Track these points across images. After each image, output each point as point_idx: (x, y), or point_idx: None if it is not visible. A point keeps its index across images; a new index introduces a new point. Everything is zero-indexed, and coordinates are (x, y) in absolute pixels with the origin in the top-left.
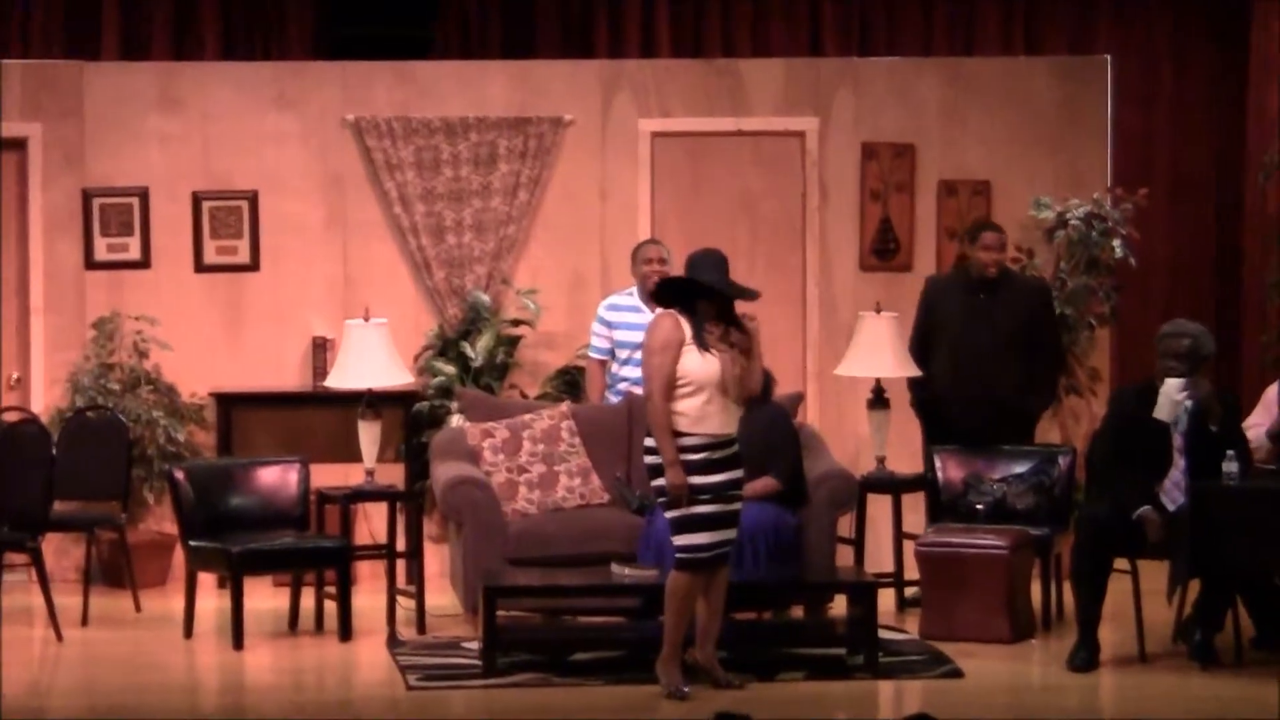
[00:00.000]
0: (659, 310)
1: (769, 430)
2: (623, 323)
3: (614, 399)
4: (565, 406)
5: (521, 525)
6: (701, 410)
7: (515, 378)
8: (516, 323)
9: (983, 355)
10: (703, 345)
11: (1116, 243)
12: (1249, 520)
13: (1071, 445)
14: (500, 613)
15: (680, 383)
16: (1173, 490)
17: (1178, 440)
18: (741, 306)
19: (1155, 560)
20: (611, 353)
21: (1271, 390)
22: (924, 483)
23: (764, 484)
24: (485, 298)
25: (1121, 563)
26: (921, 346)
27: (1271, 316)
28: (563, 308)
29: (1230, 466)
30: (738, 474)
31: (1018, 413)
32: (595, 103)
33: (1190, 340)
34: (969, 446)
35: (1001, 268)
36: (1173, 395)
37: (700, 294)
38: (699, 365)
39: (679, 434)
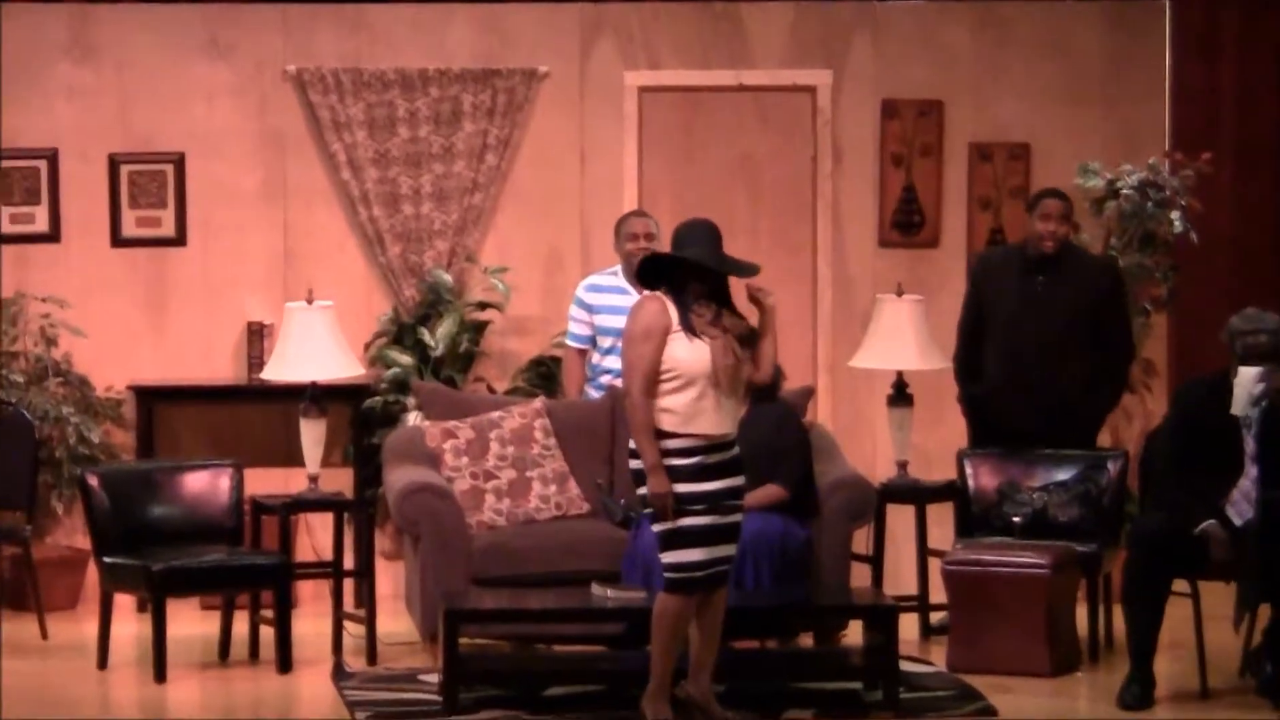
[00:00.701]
0: (644, 292)
1: (776, 431)
2: (605, 306)
3: (595, 393)
4: (539, 403)
5: (488, 539)
6: (692, 407)
7: (481, 369)
8: (483, 306)
9: (1041, 346)
10: (692, 331)
11: (1175, 215)
12: None
13: (1123, 448)
14: (463, 641)
15: (668, 375)
16: (1241, 502)
17: (1249, 445)
18: (758, 279)
19: (1220, 581)
20: (592, 340)
21: None
22: (953, 491)
23: (767, 492)
24: (447, 277)
25: (1181, 584)
26: (971, 335)
27: None
28: (536, 289)
29: None
30: (737, 481)
31: (1080, 413)
32: (573, 52)
33: (1269, 336)
34: (1014, 451)
35: (1063, 243)
36: (1248, 387)
37: (689, 272)
38: (689, 355)
39: (667, 434)
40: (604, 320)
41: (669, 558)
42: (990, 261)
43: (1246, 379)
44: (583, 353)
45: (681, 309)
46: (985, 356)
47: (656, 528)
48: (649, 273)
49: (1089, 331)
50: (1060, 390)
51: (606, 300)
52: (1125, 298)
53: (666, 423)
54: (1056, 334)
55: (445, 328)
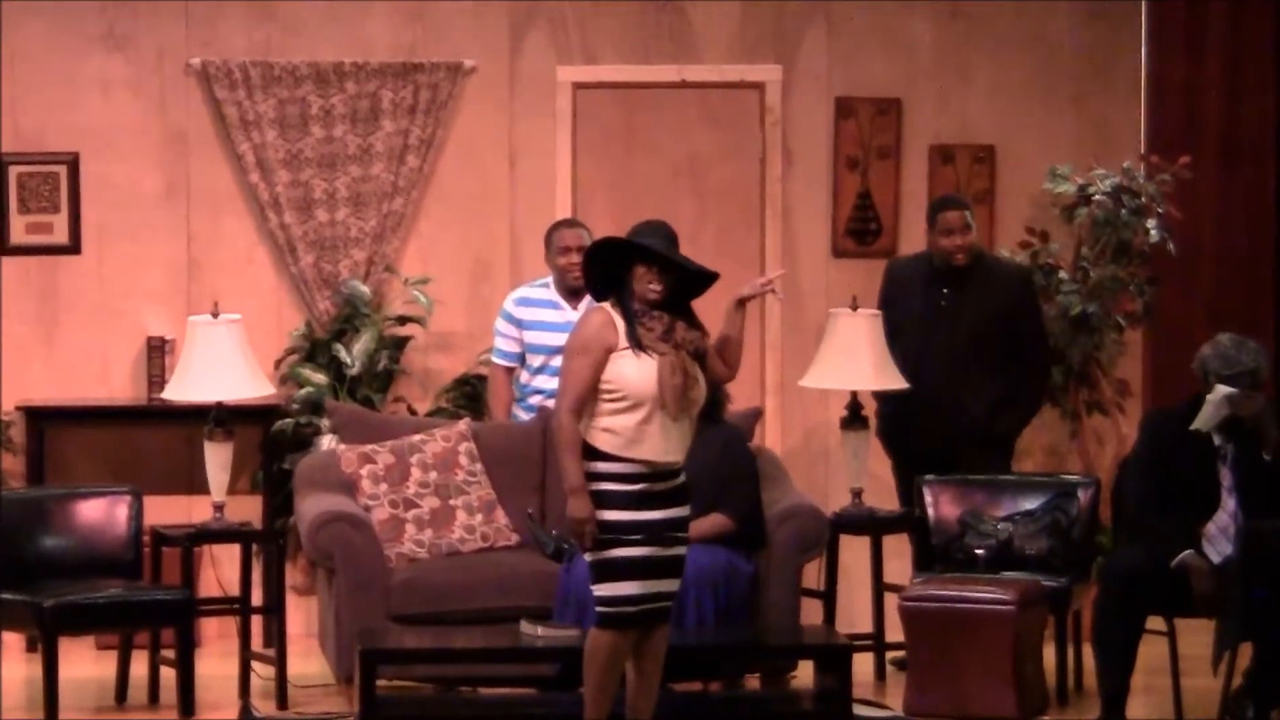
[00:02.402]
0: (591, 304)
1: (722, 456)
2: (535, 321)
3: (524, 415)
4: (464, 425)
5: (408, 573)
6: (637, 430)
7: (402, 388)
8: (403, 320)
9: (946, 361)
10: (639, 347)
11: (1152, 223)
12: None
13: (1094, 476)
14: (381, 683)
15: (613, 395)
16: (1219, 538)
17: (1225, 476)
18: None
19: (1198, 619)
20: (521, 358)
21: None
22: (911, 521)
23: (712, 523)
24: (364, 289)
25: (1156, 622)
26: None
27: None
28: (462, 302)
29: None
30: (681, 512)
31: (988, 433)
32: (503, 45)
33: (1247, 378)
34: (938, 473)
35: (973, 254)
36: (1215, 400)
37: (638, 263)
38: (638, 374)
39: (606, 457)
40: (534, 337)
41: (601, 590)
42: (897, 271)
43: (1218, 396)
44: (510, 371)
45: (629, 320)
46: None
47: (589, 558)
48: (595, 267)
49: (1000, 345)
50: (965, 409)
51: (537, 315)
52: (1038, 307)
53: (607, 444)
54: (963, 349)
55: (362, 344)
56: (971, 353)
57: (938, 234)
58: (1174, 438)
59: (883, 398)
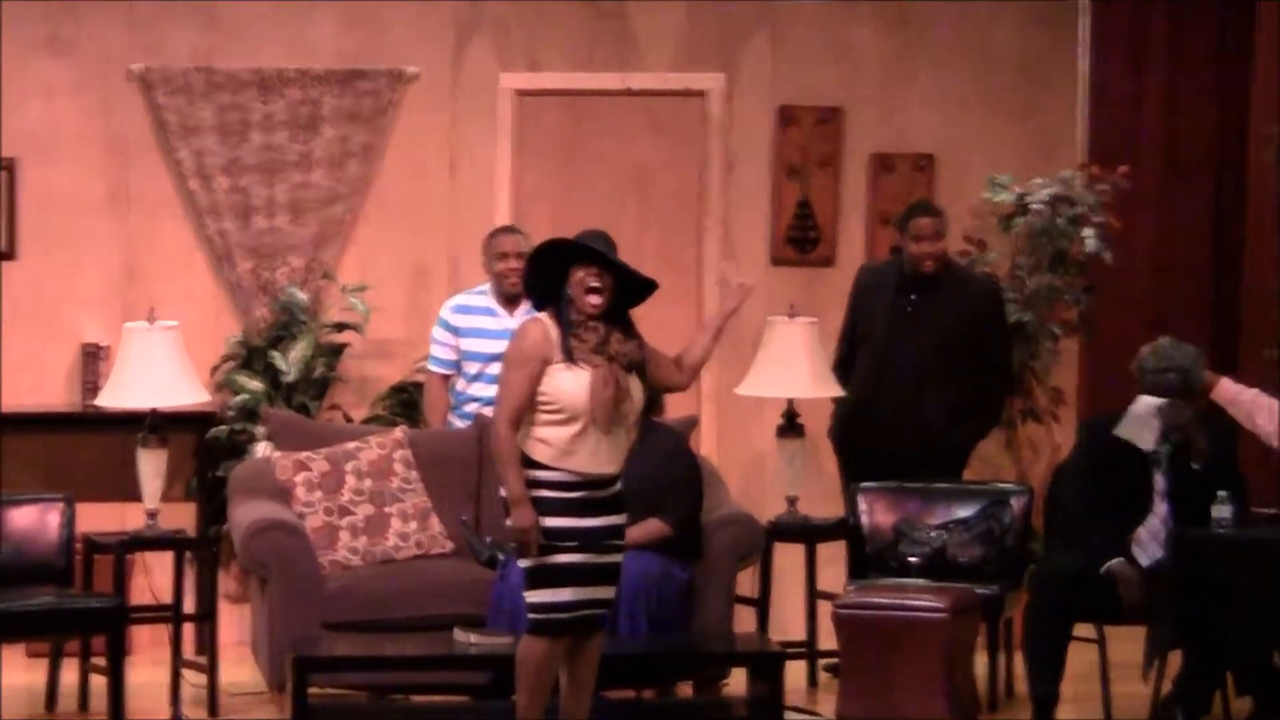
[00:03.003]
0: (529, 313)
1: (666, 463)
2: (472, 329)
3: (460, 423)
4: (399, 433)
5: (342, 581)
6: (571, 442)
7: (338, 396)
8: (340, 327)
9: (909, 367)
10: (572, 358)
11: (1089, 233)
12: (1243, 578)
13: (1028, 484)
14: (314, 690)
15: (548, 407)
16: (1149, 542)
17: (1159, 481)
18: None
19: (1128, 626)
20: (458, 365)
21: None
22: (845, 529)
23: (648, 529)
24: (302, 296)
25: (1086, 629)
26: (848, 352)
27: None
28: (400, 309)
29: (1221, 511)
30: (618, 520)
31: (944, 442)
32: (445, 52)
33: (1178, 375)
34: (888, 480)
35: (943, 263)
36: (1142, 414)
37: (582, 265)
38: (575, 387)
39: (543, 466)
40: (470, 344)
41: (534, 597)
42: (869, 275)
43: (1143, 408)
44: (447, 379)
45: (564, 331)
46: (855, 377)
47: (525, 564)
48: (536, 274)
49: (964, 356)
50: (925, 416)
51: (474, 322)
52: (1005, 322)
53: (541, 454)
54: (925, 357)
55: (299, 351)
56: (935, 360)
57: (908, 239)
58: (1110, 444)
59: (839, 401)
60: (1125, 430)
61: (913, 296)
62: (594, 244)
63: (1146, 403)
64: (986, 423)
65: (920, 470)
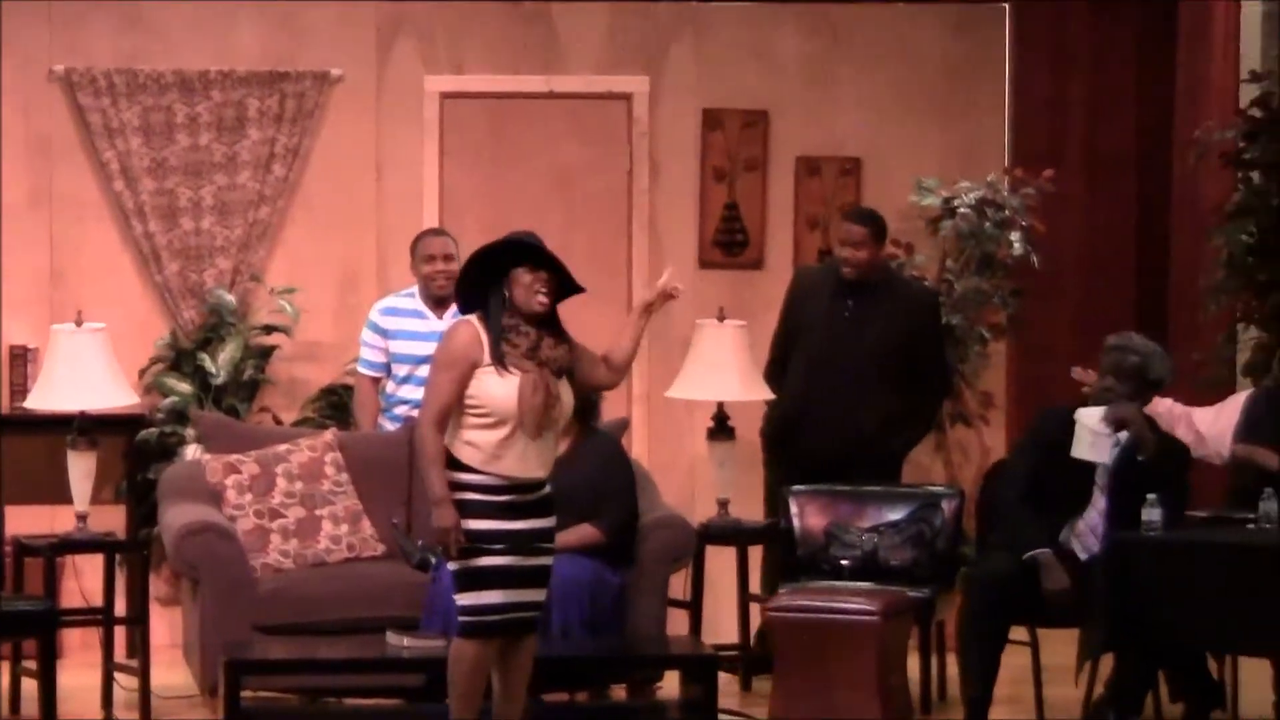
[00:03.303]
0: (457, 316)
1: (602, 469)
2: (401, 331)
3: (390, 425)
4: (330, 435)
5: (274, 583)
6: (499, 446)
7: (267, 398)
8: (270, 329)
9: (844, 372)
10: (503, 363)
11: (1015, 236)
12: (1173, 581)
13: (958, 487)
14: (246, 693)
15: (476, 410)
16: (1087, 535)
17: (1101, 474)
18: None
19: (1062, 629)
20: (387, 368)
21: (1237, 400)
22: (777, 532)
23: (581, 534)
24: (230, 298)
25: (1019, 632)
26: (781, 353)
27: (1205, 328)
28: (328, 311)
29: (1151, 513)
30: (547, 522)
31: (879, 451)
32: (370, 54)
33: (1139, 359)
34: (818, 484)
35: (875, 268)
36: (1091, 426)
37: (527, 268)
38: (503, 391)
39: (471, 469)
40: (400, 346)
41: (464, 599)
42: (806, 278)
43: (1088, 419)
44: (376, 381)
45: (494, 336)
46: (789, 380)
47: (453, 567)
48: (471, 279)
49: (900, 365)
50: (858, 422)
51: (403, 325)
52: (940, 331)
53: (470, 457)
54: (862, 362)
55: (228, 353)
56: (871, 368)
57: (836, 241)
58: (1061, 434)
59: (772, 403)
60: (1080, 452)
61: (850, 302)
62: (522, 239)
63: (1090, 415)
64: (921, 431)
65: (854, 476)
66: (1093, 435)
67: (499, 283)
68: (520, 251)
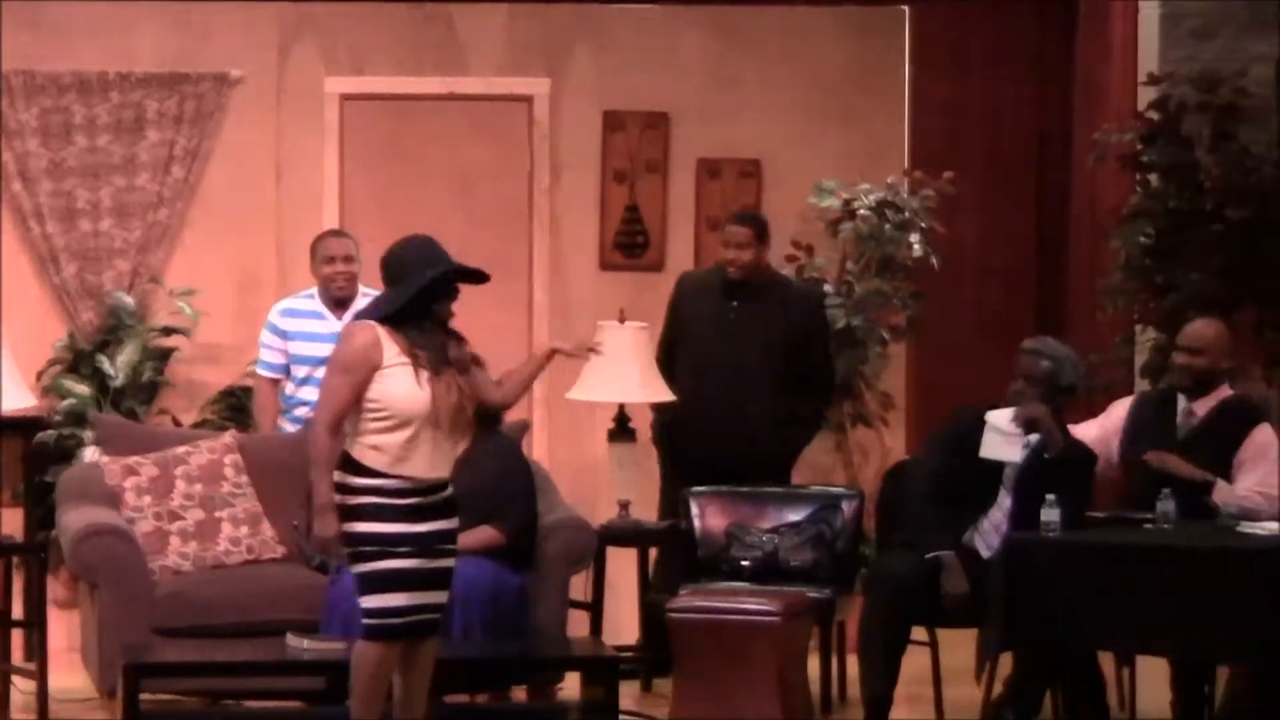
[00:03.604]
0: (354, 320)
1: (501, 471)
2: (300, 333)
3: (290, 427)
4: (229, 437)
5: (173, 586)
6: (404, 449)
7: (167, 400)
8: (169, 331)
9: (730, 374)
10: (416, 366)
11: (915, 238)
12: (1071, 581)
13: (858, 488)
14: (146, 696)
15: (380, 414)
16: (991, 534)
17: (1008, 473)
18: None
19: (961, 629)
20: (287, 370)
21: (1119, 408)
22: (677, 534)
23: (481, 536)
24: (129, 300)
25: (919, 633)
26: (667, 356)
27: (1104, 330)
28: (228, 313)
29: (1049, 514)
30: (450, 524)
31: (768, 451)
32: (270, 55)
33: (1050, 363)
34: (715, 485)
35: (756, 270)
36: (1001, 426)
37: (435, 294)
38: (407, 394)
39: (374, 473)
40: (299, 348)
41: (369, 602)
42: (690, 281)
43: (998, 420)
44: (276, 383)
45: (410, 341)
46: (677, 384)
47: (356, 569)
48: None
49: (787, 364)
50: (747, 424)
51: (302, 326)
52: (827, 330)
53: (374, 460)
54: (749, 363)
55: (126, 355)
56: (757, 368)
57: (720, 243)
58: (972, 432)
59: (661, 406)
60: (989, 452)
61: (735, 304)
62: (442, 256)
63: (999, 416)
64: (808, 432)
65: (744, 478)
66: (1002, 435)
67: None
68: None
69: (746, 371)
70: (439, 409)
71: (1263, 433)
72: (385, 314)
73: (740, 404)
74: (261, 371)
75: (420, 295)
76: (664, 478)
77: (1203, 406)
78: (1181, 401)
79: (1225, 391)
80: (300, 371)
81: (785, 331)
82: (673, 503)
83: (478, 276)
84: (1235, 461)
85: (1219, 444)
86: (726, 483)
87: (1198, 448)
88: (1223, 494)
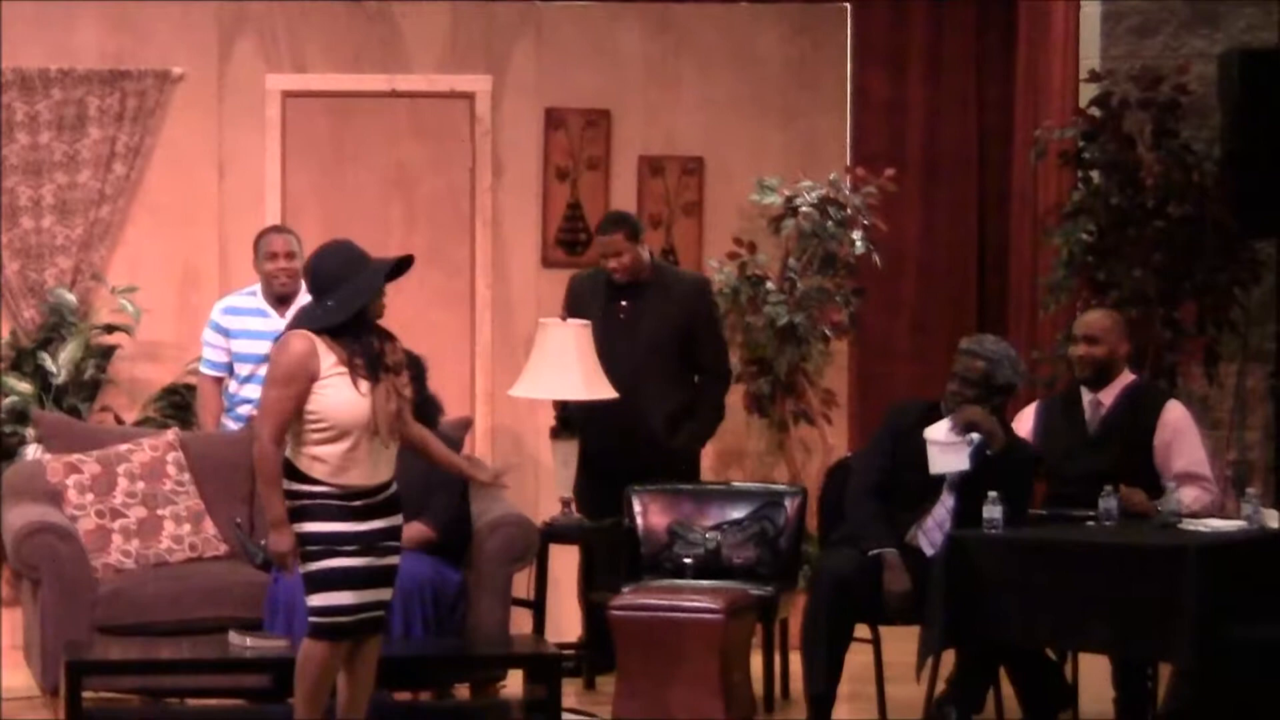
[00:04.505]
0: (290, 330)
1: (429, 465)
2: (243, 330)
3: (233, 425)
4: (172, 435)
5: (115, 584)
6: (345, 459)
7: (109, 398)
8: (111, 329)
9: (625, 373)
10: (353, 376)
11: (857, 235)
12: (1012, 578)
13: (801, 485)
14: (88, 694)
15: (319, 425)
16: (934, 531)
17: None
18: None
19: (904, 626)
20: (230, 367)
21: (1026, 417)
22: (620, 531)
23: (411, 532)
24: (70, 297)
25: (862, 630)
26: None
27: (1045, 327)
28: (170, 311)
29: (992, 511)
30: (394, 521)
31: (665, 449)
32: (211, 53)
33: (985, 364)
34: (610, 485)
35: (639, 269)
36: (940, 439)
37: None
38: (344, 404)
39: (316, 482)
40: (242, 346)
41: (316, 600)
42: (580, 285)
43: (936, 434)
44: (219, 381)
45: (349, 351)
46: None
47: (303, 569)
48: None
49: (678, 355)
50: (644, 421)
51: (245, 324)
52: (716, 318)
53: (318, 471)
54: (640, 359)
55: (68, 352)
56: (650, 365)
57: (599, 256)
58: (914, 428)
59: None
60: (937, 467)
61: (624, 303)
62: (375, 260)
63: (936, 430)
64: (707, 425)
65: (652, 477)
66: (943, 447)
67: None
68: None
69: (640, 371)
70: (378, 417)
71: (1174, 410)
72: (326, 325)
73: (635, 403)
74: (204, 370)
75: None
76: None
77: (1108, 395)
78: (1086, 395)
79: (1128, 377)
80: (243, 369)
81: (673, 323)
82: (586, 503)
83: (406, 264)
84: (1156, 444)
85: (1132, 429)
86: (631, 483)
87: (1111, 437)
88: (1168, 507)
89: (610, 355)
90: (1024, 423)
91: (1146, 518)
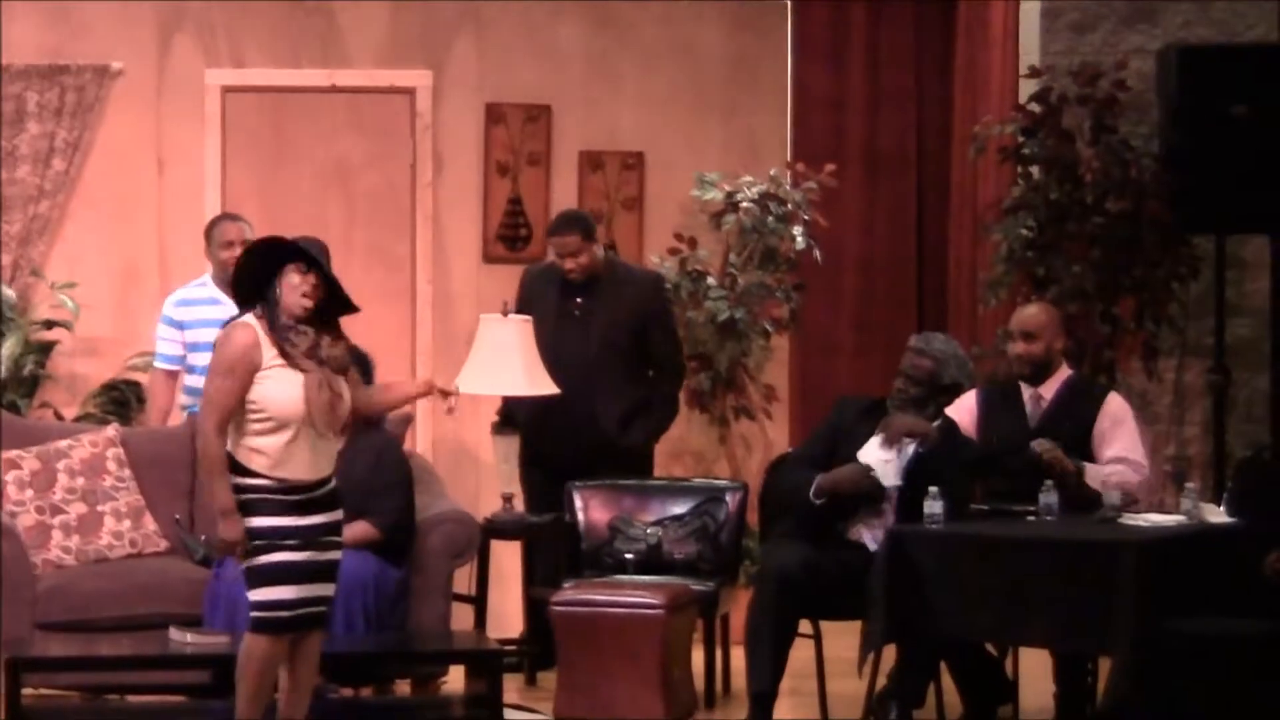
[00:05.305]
0: (235, 319)
1: (375, 465)
2: (197, 320)
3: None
4: (112, 430)
5: (55, 580)
6: (284, 451)
7: (48, 394)
8: (50, 325)
9: (579, 369)
10: (287, 363)
11: (798, 230)
12: (953, 572)
13: (742, 480)
14: (28, 691)
15: (258, 416)
16: (877, 526)
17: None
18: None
19: (845, 620)
20: (183, 360)
21: (968, 400)
22: (562, 526)
23: (356, 531)
24: (10, 293)
25: (803, 625)
26: None
27: (985, 322)
28: (109, 306)
29: (933, 507)
30: (335, 516)
31: (619, 445)
32: (150, 48)
33: (933, 363)
34: (628, 482)
35: (594, 267)
36: (876, 458)
37: (296, 269)
38: (283, 394)
39: (255, 475)
40: (196, 335)
41: (257, 595)
42: (533, 279)
43: (869, 456)
44: (173, 375)
45: (280, 336)
46: None
47: (244, 563)
48: (249, 272)
49: (632, 351)
50: (598, 417)
51: (198, 314)
52: (669, 314)
53: (257, 464)
54: (594, 355)
55: (8, 348)
56: (604, 361)
57: (554, 255)
58: (859, 426)
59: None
60: (890, 479)
61: (578, 300)
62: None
63: (867, 453)
64: (660, 421)
65: (606, 472)
66: (883, 465)
67: (272, 282)
68: (293, 252)
69: (593, 367)
70: (310, 407)
71: (1114, 401)
72: (241, 299)
73: (589, 400)
74: (158, 364)
75: (254, 275)
76: (525, 475)
77: (1049, 389)
78: (1026, 390)
79: (1065, 372)
80: (200, 360)
81: (627, 320)
82: (535, 498)
83: (304, 257)
84: (1095, 433)
85: (1074, 422)
86: (585, 479)
87: (1053, 431)
88: (1091, 475)
89: (564, 351)
90: (963, 411)
91: (1064, 473)
